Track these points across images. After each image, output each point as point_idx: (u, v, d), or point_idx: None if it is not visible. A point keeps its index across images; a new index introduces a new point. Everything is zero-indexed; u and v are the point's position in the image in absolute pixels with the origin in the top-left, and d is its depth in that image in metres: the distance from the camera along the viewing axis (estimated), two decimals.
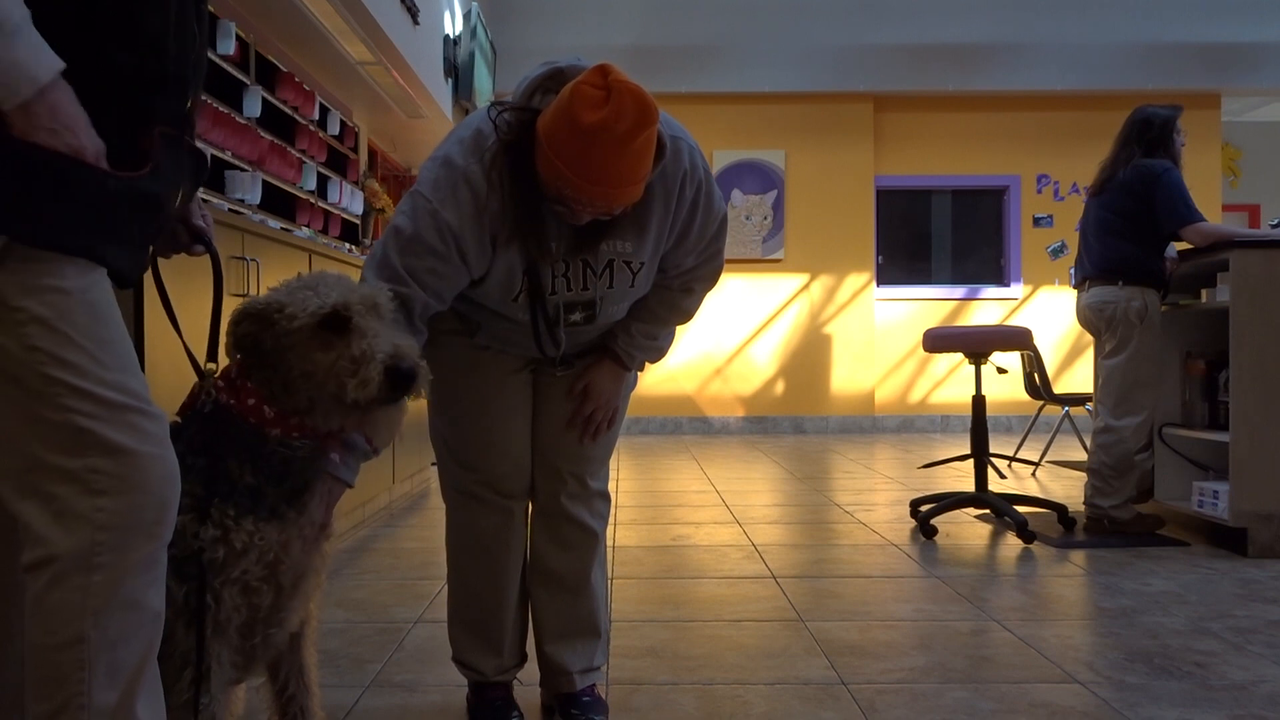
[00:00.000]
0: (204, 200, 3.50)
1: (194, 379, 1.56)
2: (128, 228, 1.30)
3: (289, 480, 1.50)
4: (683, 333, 9.02)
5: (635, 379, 2.09)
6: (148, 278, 1.54)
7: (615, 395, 2.01)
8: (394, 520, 4.47)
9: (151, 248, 1.44)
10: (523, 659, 2.13)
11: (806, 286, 9.10)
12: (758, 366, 9.11)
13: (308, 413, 1.52)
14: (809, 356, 9.09)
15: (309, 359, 1.49)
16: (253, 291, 3.03)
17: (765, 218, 9.07)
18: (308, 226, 5.87)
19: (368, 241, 7.26)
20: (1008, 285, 9.30)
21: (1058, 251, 9.23)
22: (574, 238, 1.75)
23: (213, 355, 1.56)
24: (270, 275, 3.18)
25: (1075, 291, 4.30)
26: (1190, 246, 3.96)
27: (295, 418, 1.51)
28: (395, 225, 1.73)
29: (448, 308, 1.81)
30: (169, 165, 1.35)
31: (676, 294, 1.97)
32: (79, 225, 1.23)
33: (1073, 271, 5.04)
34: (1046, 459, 6.68)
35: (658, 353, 2.03)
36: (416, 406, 2.37)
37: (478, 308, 1.89)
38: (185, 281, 2.39)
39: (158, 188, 1.34)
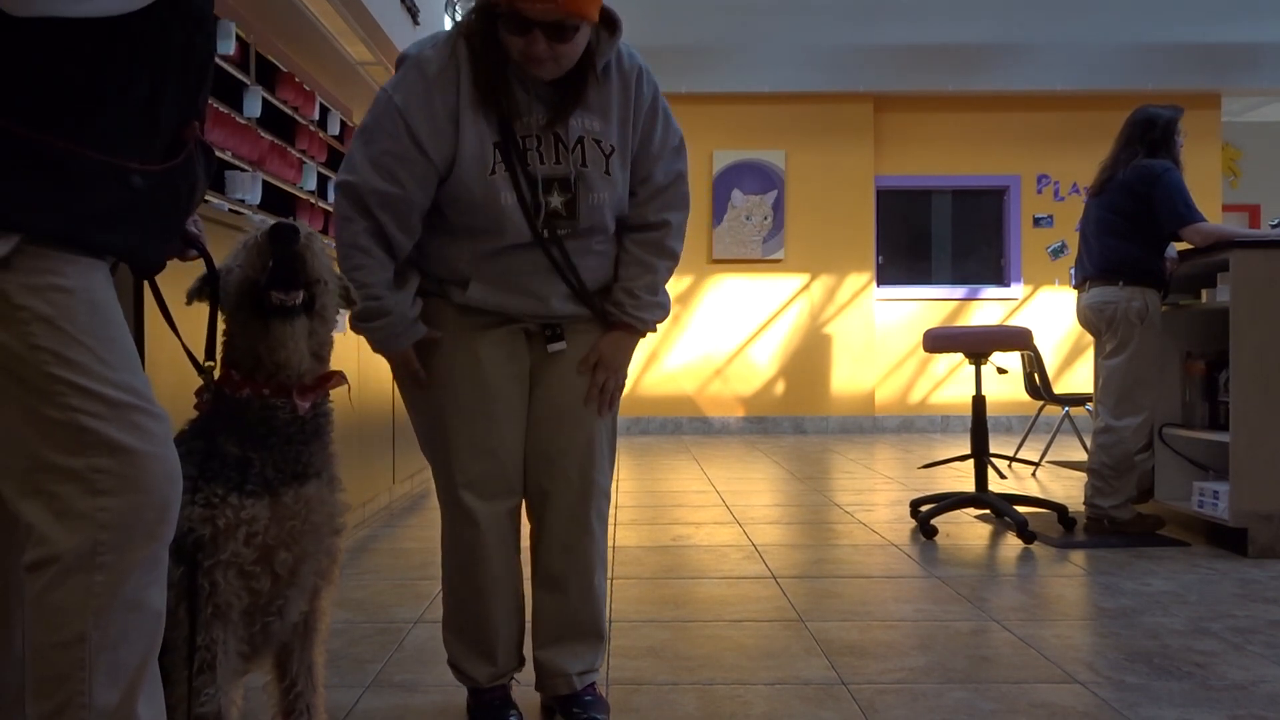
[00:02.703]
0: (204, 200, 3.48)
1: (196, 380, 1.58)
2: (154, 216, 1.33)
3: (273, 441, 1.53)
4: (683, 333, 9.03)
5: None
6: (144, 282, 1.56)
7: (626, 362, 2.10)
8: (394, 520, 4.47)
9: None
10: (520, 662, 2.12)
11: (806, 287, 9.10)
12: (758, 367, 9.11)
13: (258, 368, 1.57)
14: (809, 357, 9.09)
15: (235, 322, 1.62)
16: None
17: (765, 218, 9.07)
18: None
19: None
20: (1008, 285, 9.30)
21: (1058, 251, 9.23)
22: (545, 111, 1.86)
23: (210, 354, 1.59)
24: None
25: (1075, 292, 4.30)
26: (1190, 246, 3.96)
27: (259, 375, 1.56)
28: (361, 124, 1.90)
29: (429, 204, 1.89)
30: (200, 155, 1.43)
31: (657, 233, 2.03)
32: (96, 220, 1.25)
33: (1073, 271, 5.04)
34: (1046, 459, 6.68)
35: (662, 310, 2.09)
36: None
37: (464, 241, 1.92)
38: (186, 284, 2.39)
39: (192, 176, 1.40)
